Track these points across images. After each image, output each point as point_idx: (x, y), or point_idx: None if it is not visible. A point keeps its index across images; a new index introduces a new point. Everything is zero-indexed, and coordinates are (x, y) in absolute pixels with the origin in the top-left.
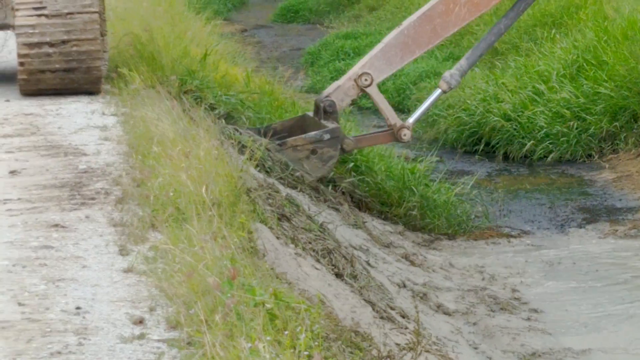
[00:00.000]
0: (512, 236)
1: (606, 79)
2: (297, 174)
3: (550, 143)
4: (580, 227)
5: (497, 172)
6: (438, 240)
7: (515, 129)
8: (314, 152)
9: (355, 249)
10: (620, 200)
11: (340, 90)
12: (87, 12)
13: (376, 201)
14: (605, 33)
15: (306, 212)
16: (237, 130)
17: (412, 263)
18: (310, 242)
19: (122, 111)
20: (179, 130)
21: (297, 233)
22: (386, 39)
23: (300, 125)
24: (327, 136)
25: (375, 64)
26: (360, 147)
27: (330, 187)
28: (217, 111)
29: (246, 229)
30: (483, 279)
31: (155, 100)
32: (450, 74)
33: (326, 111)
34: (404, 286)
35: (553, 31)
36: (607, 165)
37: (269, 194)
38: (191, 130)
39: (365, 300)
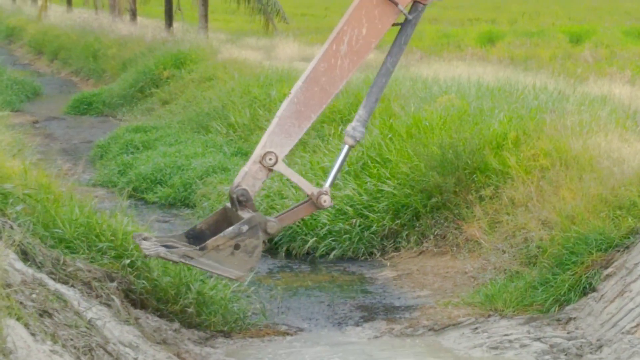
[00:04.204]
0: (288, 334)
1: (389, 176)
2: (227, 276)
3: (332, 240)
4: (357, 325)
5: (279, 268)
6: (214, 338)
7: (297, 226)
8: (237, 247)
9: (124, 345)
10: (399, 298)
11: (248, 176)
12: None
13: (152, 297)
14: (390, 130)
15: (74, 307)
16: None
17: None
18: (72, 339)
19: None
20: None
21: (59, 329)
22: (279, 112)
23: (224, 219)
24: (245, 227)
25: (275, 140)
26: (285, 225)
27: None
28: None
29: None
30: None
31: None
32: (353, 126)
33: (240, 201)
34: None
35: (340, 128)
36: (388, 263)
37: (34, 289)
38: None
39: None
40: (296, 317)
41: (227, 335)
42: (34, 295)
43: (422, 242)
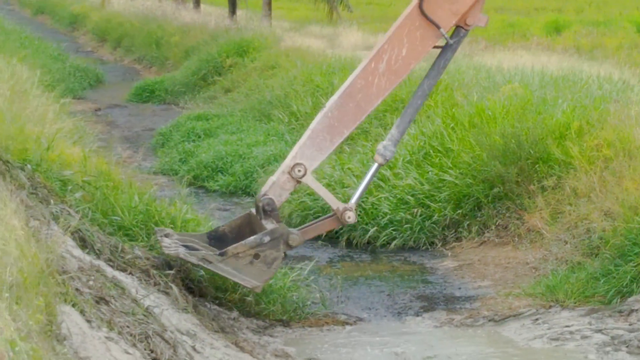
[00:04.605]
0: (347, 323)
1: (451, 166)
2: (243, 284)
3: (393, 230)
4: (417, 316)
5: (339, 257)
6: (272, 327)
7: (359, 215)
8: (256, 256)
9: (182, 333)
10: (459, 288)
11: (276, 186)
12: None
13: (210, 286)
14: (452, 120)
15: (132, 295)
16: (68, 212)
17: (242, 349)
18: (128, 326)
19: None
20: None
21: (115, 316)
22: (312, 124)
23: (247, 223)
24: (267, 238)
25: (306, 153)
26: (307, 239)
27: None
28: (44, 191)
29: (47, 311)
30: None
31: None
32: (384, 145)
33: (265, 210)
34: None
35: None
36: (449, 253)
37: (90, 276)
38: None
39: None
40: (356, 306)
41: (286, 324)
42: (90, 282)
43: (484, 232)
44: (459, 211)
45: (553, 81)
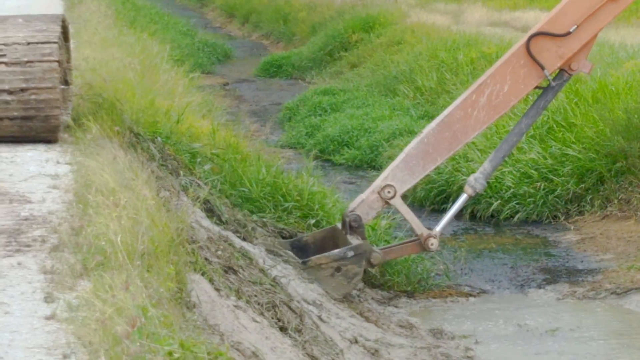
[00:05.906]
0: (471, 295)
1: (574, 140)
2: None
3: (517, 203)
4: (540, 288)
5: (463, 230)
6: (397, 298)
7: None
8: (338, 269)
9: (308, 303)
10: (582, 262)
11: (364, 204)
12: (46, 61)
13: None
14: (576, 95)
15: (259, 265)
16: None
17: (367, 319)
18: (255, 295)
19: (77, 160)
20: (122, 180)
21: (243, 286)
22: (407, 148)
23: (331, 237)
24: (350, 253)
25: (398, 175)
26: (388, 259)
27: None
28: (174, 162)
29: (177, 279)
30: (437, 337)
31: (109, 150)
32: (475, 177)
33: (352, 226)
34: (356, 342)
35: None
36: (572, 227)
37: (219, 246)
38: (132, 181)
39: (308, 354)
40: (479, 278)
41: (410, 295)
42: (219, 252)
43: (606, 206)
44: (582, 185)
45: None
